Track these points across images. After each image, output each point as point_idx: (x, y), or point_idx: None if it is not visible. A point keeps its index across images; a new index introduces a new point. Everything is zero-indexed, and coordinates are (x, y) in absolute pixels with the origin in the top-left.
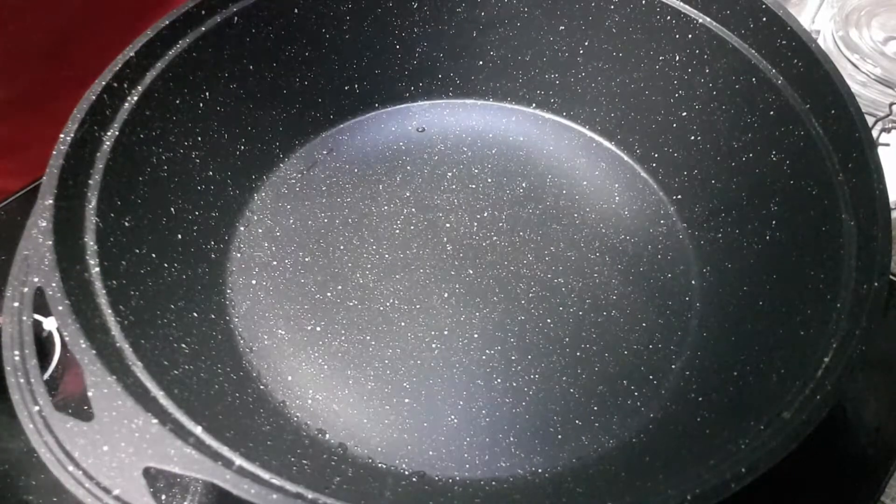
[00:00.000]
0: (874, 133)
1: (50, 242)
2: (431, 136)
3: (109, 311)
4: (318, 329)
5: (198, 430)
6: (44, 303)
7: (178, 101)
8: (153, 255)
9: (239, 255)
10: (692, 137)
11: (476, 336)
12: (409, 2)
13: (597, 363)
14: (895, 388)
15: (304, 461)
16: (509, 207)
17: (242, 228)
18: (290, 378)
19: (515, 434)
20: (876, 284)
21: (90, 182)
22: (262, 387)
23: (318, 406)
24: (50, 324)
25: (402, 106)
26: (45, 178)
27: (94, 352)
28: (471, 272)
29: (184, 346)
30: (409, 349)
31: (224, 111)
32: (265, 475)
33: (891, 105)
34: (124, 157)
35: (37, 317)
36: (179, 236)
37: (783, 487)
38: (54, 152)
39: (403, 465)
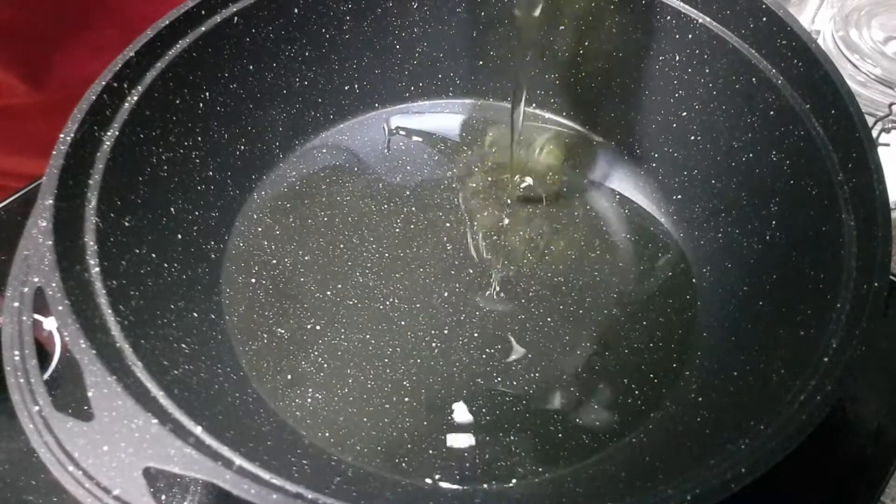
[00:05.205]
0: (874, 133)
1: (50, 242)
2: (431, 136)
3: (109, 311)
4: (318, 328)
5: (198, 430)
6: (44, 303)
7: (178, 101)
8: (153, 255)
9: (239, 254)
10: (692, 137)
11: (476, 335)
12: (409, 2)
13: (597, 363)
14: (895, 388)
15: (304, 461)
16: (509, 207)
17: (242, 228)
18: (289, 377)
19: (515, 434)
20: (876, 284)
21: (90, 182)
22: (261, 386)
23: (318, 406)
24: (50, 324)
25: (402, 106)
26: (45, 178)
27: (94, 352)
28: (471, 272)
29: (184, 346)
30: (409, 349)
31: (224, 111)
32: (265, 475)
33: (891, 105)
34: (124, 157)
35: (37, 317)
36: (179, 236)
37: (783, 487)
38: (54, 152)
39: (403, 465)
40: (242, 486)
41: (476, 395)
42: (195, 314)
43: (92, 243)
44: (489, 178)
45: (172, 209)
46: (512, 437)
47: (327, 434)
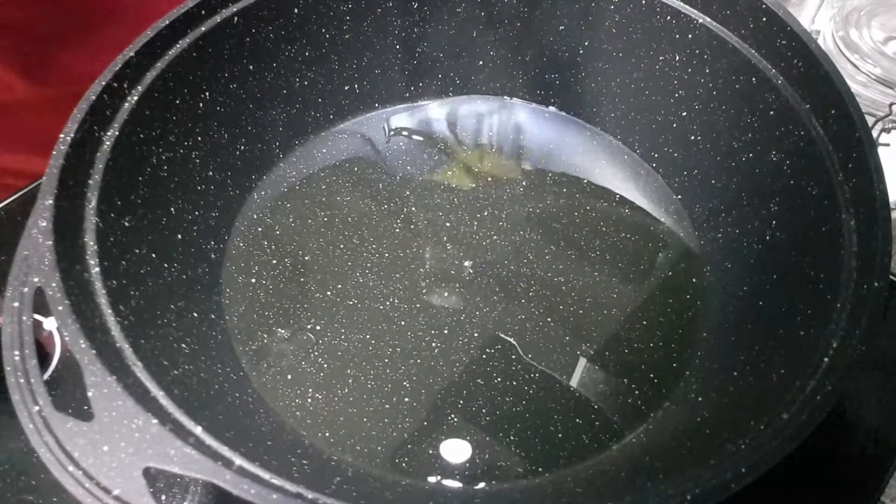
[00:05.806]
0: (874, 133)
1: (50, 242)
2: (431, 136)
3: (109, 311)
4: (318, 328)
5: (198, 430)
6: (44, 303)
7: (178, 101)
8: (153, 255)
9: (239, 254)
10: (692, 137)
11: (476, 335)
12: (409, 2)
13: (597, 362)
14: (895, 388)
15: (304, 461)
16: (509, 207)
17: (242, 228)
18: (289, 377)
19: (515, 434)
20: (876, 284)
21: (90, 182)
22: (261, 386)
23: (318, 406)
24: (50, 324)
25: (402, 106)
26: (45, 177)
27: (94, 352)
28: (471, 272)
29: (184, 346)
30: (409, 349)
31: (224, 111)
32: (265, 475)
33: (891, 105)
34: (124, 157)
35: (37, 317)
36: (179, 236)
37: (783, 487)
38: (54, 152)
39: (403, 465)
40: (242, 486)
41: (476, 395)
42: (195, 314)
43: (92, 243)
44: (489, 178)
45: (172, 209)
46: (512, 437)
47: (327, 434)
